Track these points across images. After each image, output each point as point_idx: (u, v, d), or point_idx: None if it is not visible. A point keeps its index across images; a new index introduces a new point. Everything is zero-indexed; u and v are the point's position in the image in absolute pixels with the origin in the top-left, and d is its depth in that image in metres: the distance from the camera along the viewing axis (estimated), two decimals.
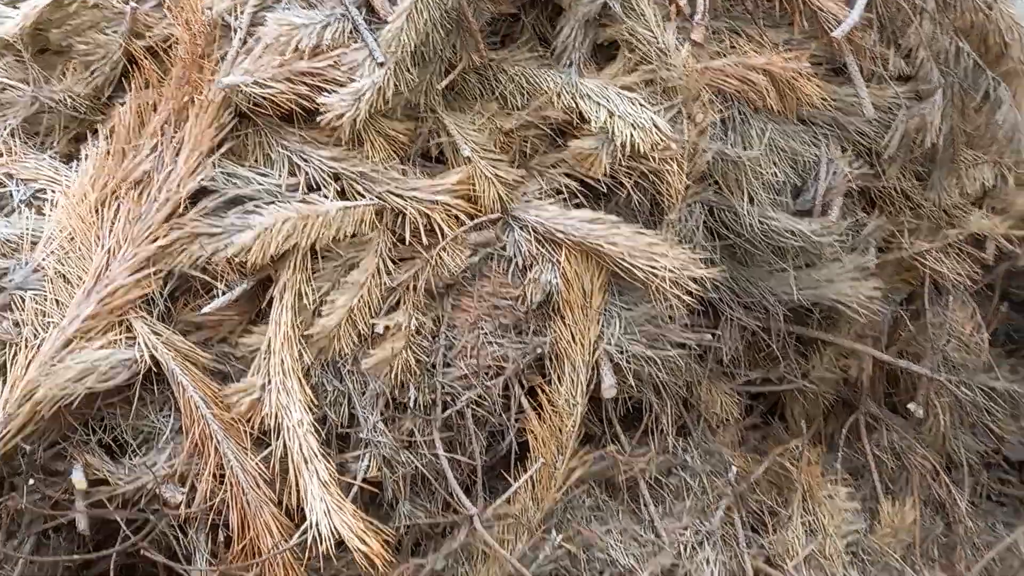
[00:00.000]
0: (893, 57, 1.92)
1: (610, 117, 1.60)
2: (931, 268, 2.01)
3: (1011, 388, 1.96)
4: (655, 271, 1.57)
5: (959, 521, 1.97)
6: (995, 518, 2.13)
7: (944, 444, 2.12)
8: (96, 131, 1.66)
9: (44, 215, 1.56)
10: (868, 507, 1.96)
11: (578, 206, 1.68)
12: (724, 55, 1.75)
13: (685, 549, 1.62)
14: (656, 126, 1.57)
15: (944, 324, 2.00)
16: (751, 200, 1.72)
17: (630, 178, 1.64)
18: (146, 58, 1.64)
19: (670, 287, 1.58)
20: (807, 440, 1.93)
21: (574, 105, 1.65)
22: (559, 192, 1.68)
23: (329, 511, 1.37)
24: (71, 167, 1.64)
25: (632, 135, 1.58)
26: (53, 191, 1.59)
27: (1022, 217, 2.19)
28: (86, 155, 1.61)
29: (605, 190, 1.68)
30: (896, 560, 1.79)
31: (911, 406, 2.00)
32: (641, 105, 1.60)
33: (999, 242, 2.10)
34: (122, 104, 1.65)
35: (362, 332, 1.53)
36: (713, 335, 1.76)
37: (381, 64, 1.55)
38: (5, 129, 1.68)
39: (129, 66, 1.68)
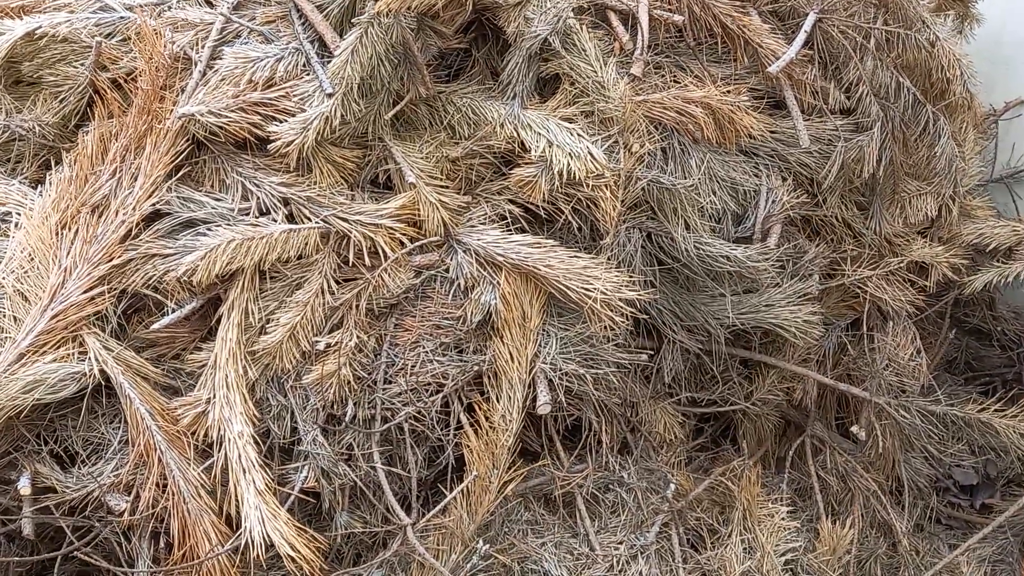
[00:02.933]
0: (833, 91, 2.01)
1: (549, 147, 1.68)
2: (872, 295, 2.07)
3: (948, 412, 2.01)
4: (588, 293, 1.64)
5: (899, 542, 2.02)
6: (942, 541, 2.17)
7: (894, 467, 2.17)
8: (62, 158, 1.75)
9: (8, 236, 1.64)
10: (813, 527, 2.01)
11: (522, 231, 1.75)
12: (666, 89, 1.83)
13: (618, 562, 1.67)
14: (591, 155, 1.65)
15: (885, 349, 2.06)
16: (687, 227, 1.79)
17: (568, 204, 1.71)
18: (110, 90, 1.73)
19: (603, 308, 1.64)
20: (750, 460, 1.99)
21: (516, 135, 1.73)
22: (504, 218, 1.75)
23: (264, 519, 1.44)
24: (38, 191, 1.72)
25: (568, 163, 1.66)
26: (19, 214, 1.67)
27: (966, 246, 2.26)
28: (50, 180, 1.70)
29: (547, 216, 1.76)
30: None
31: (854, 429, 2.06)
32: (578, 135, 1.68)
33: (942, 270, 2.17)
34: (87, 133, 1.73)
35: (305, 349, 1.60)
36: (649, 356, 1.82)
37: (330, 95, 1.64)
38: None
39: (95, 97, 1.77)
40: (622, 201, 1.70)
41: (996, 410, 2.09)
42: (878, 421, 2.04)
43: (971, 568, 2.02)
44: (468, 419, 1.66)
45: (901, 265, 2.10)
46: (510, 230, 1.74)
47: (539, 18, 1.71)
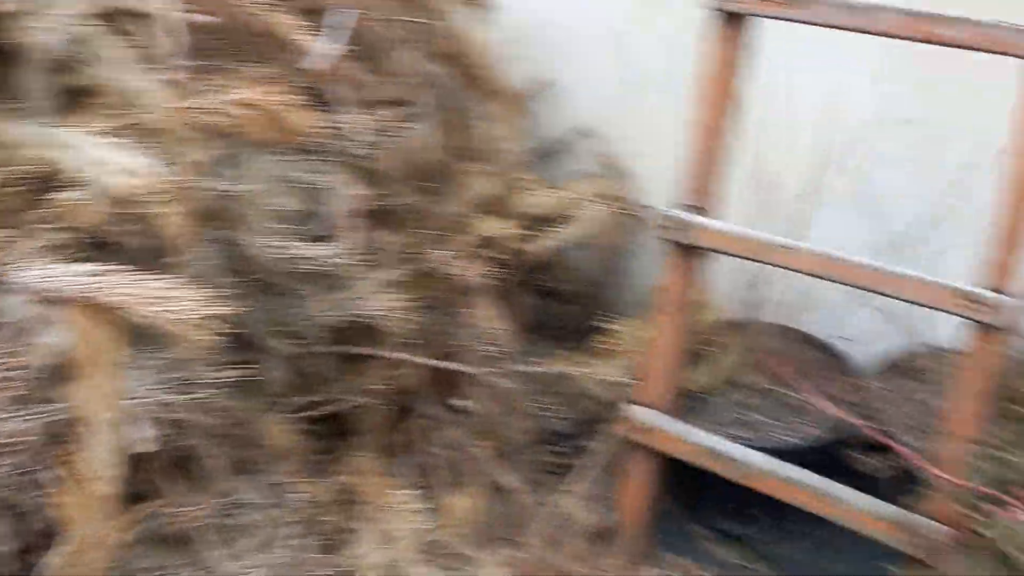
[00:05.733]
0: (380, 83, 2.07)
1: (90, 165, 1.56)
2: (455, 274, 2.17)
3: (535, 371, 2.16)
4: (169, 316, 1.54)
5: (518, 497, 2.13)
6: (550, 487, 2.32)
7: (502, 430, 2.29)
8: None
9: None
10: (440, 503, 2.06)
11: (86, 259, 1.60)
12: (213, 93, 1.77)
13: None
14: (138, 169, 1.55)
15: (475, 323, 2.17)
16: (260, 232, 1.75)
17: (129, 224, 1.60)
18: None
19: (188, 329, 1.55)
20: (370, 453, 1.99)
21: (46, 156, 1.57)
22: (63, 247, 1.59)
23: None
24: None
25: (115, 180, 1.54)
26: None
27: (527, 217, 2.45)
28: None
29: (110, 241, 1.63)
30: (463, 546, 1.89)
31: (460, 402, 2.14)
32: (121, 149, 1.57)
33: (511, 242, 2.32)
34: None
35: None
36: (250, 369, 1.75)
37: None
38: None
39: None
40: (187, 214, 1.62)
41: (576, 362, 2.28)
42: (481, 391, 2.14)
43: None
44: (59, 475, 1.49)
45: (476, 243, 2.22)
46: (71, 261, 1.58)
47: (45, 28, 1.56)
